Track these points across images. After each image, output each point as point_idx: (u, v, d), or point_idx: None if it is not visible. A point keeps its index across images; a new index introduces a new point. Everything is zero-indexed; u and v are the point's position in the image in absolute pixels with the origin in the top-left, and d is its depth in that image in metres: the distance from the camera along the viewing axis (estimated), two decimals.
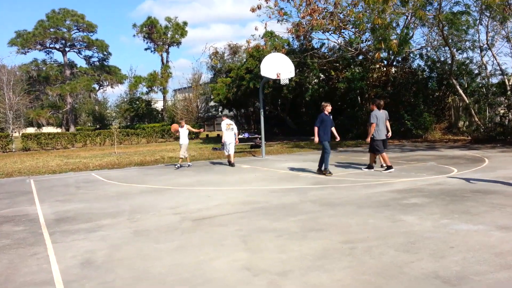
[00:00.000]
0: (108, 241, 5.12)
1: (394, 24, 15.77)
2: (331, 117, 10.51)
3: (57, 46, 36.56)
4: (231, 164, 12.86)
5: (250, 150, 19.20)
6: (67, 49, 36.86)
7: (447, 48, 21.78)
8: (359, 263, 3.93)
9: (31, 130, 37.46)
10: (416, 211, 5.94)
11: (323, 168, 10.26)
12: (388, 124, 10.87)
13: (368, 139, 10.57)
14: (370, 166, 10.79)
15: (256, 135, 21.48)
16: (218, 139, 29.39)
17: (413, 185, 8.11)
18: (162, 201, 7.60)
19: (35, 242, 5.22)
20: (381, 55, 22.75)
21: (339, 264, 3.91)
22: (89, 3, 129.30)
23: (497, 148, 15.01)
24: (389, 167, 10.20)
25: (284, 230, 5.18)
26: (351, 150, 16.89)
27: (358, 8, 18.32)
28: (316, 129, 10.19)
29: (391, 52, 20.88)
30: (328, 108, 10.34)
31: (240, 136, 20.93)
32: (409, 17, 19.51)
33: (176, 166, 12.86)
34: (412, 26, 19.67)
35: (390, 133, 10.94)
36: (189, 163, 13.33)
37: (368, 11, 17.17)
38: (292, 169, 11.57)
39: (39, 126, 40.27)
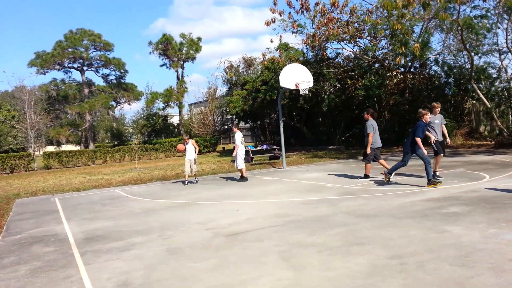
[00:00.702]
0: (143, 260, 4.97)
1: (415, 30, 15.51)
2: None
3: (75, 65, 37.16)
4: (245, 178, 12.21)
5: (269, 161, 19.01)
6: (85, 68, 37.43)
7: (464, 52, 21.47)
8: (414, 280, 3.68)
9: (50, 148, 37.97)
10: (459, 221, 5.65)
11: (430, 178, 8.93)
12: (444, 129, 10.45)
13: (368, 150, 10.40)
14: (389, 172, 9.89)
15: (275, 146, 21.31)
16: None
17: (447, 193, 7.80)
18: (190, 216, 7.45)
19: (67, 264, 5.10)
20: (401, 61, 22.52)
21: (394, 282, 3.66)
22: (103, 23, 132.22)
23: None
24: (366, 176, 10.50)
25: (324, 245, 4.95)
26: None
27: (373, 17, 18.18)
28: (418, 140, 8.83)
29: (408, 58, 20.61)
30: (427, 117, 9.02)
31: (258, 148, 20.85)
32: (426, 23, 19.23)
33: (193, 181, 12.58)
34: (430, 31, 19.36)
35: (448, 140, 10.68)
36: (196, 179, 12.80)
37: (386, 17, 16.97)
38: (316, 179, 11.32)
39: (59, 144, 40.83)
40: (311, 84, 14.36)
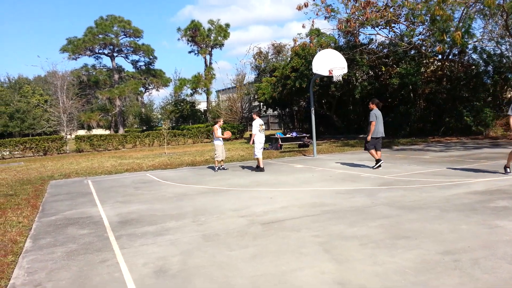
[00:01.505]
0: (178, 246, 4.86)
1: (454, 16, 14.70)
2: None
3: (106, 51, 37.69)
4: (261, 169, 11.59)
5: (299, 149, 18.73)
6: (115, 54, 37.91)
7: (506, 39, 20.35)
8: (470, 278, 3.40)
9: (81, 132, 38.91)
10: (511, 215, 5.27)
11: None
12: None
13: (369, 137, 10.58)
14: (377, 161, 10.64)
15: (304, 134, 20.97)
16: None
17: (493, 186, 7.35)
18: (223, 202, 7.32)
19: (102, 247, 5.05)
20: (442, 49, 21.58)
21: (449, 280, 3.39)
22: (132, 10, 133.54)
23: None
24: (378, 161, 10.59)
25: (366, 237, 4.70)
26: (408, 149, 16.00)
27: (411, 0, 17.38)
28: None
29: (446, 45, 19.70)
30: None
31: (288, 135, 20.55)
32: (467, 8, 18.26)
33: (221, 168, 12.35)
34: (472, 16, 18.39)
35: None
36: (224, 166, 12.57)
37: (424, 2, 16.19)
38: (349, 168, 10.99)
39: (89, 128, 41.76)
40: (345, 70, 13.91)
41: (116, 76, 37.87)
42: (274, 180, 9.72)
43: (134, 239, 5.30)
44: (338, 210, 6.16)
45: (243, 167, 12.82)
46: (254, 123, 11.82)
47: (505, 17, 15.09)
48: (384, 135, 10.81)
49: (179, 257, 4.45)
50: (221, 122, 12.75)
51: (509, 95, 23.37)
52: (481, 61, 22.28)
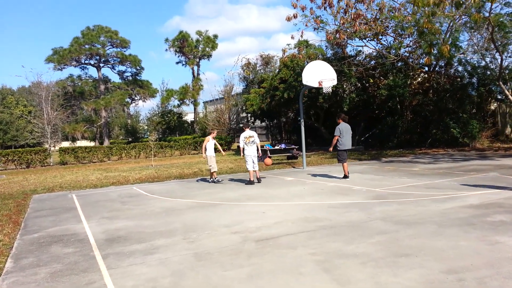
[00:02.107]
0: (169, 266, 4.62)
1: (442, 29, 14.88)
2: None
3: (92, 62, 37.22)
4: (258, 180, 11.52)
5: (288, 161, 18.59)
6: (101, 64, 37.46)
7: (489, 52, 20.73)
8: None
9: (66, 144, 38.17)
10: (511, 231, 5.18)
11: None
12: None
13: (331, 149, 11.56)
14: (345, 176, 11.34)
15: (293, 146, 20.86)
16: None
17: (487, 199, 7.30)
18: (214, 217, 7.09)
19: (88, 268, 4.78)
20: (422, 60, 21.84)
21: None
22: (119, 21, 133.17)
23: None
24: (346, 176, 11.27)
25: (366, 255, 4.54)
26: (396, 160, 16.01)
27: (396, 13, 17.59)
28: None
29: (433, 57, 19.93)
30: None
31: (277, 147, 20.40)
32: (452, 21, 18.54)
33: (216, 180, 12.12)
34: (458, 29, 18.68)
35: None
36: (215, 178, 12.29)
37: (410, 14, 16.40)
38: (340, 181, 10.87)
39: (74, 140, 41.02)
40: (335, 82, 13.88)
41: (102, 87, 37.39)
42: (265, 194, 9.54)
43: (122, 258, 5.05)
44: (333, 226, 6.00)
45: (233, 180, 12.61)
46: (241, 135, 11.68)
47: (490, 30, 15.34)
48: (350, 148, 11.54)
49: (170, 278, 4.22)
50: (214, 134, 12.54)
51: (493, 107, 23.75)
52: (466, 73, 22.63)
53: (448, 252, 4.48)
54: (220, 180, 12.22)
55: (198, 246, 5.34)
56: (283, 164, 17.13)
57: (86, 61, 37.15)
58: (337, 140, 11.22)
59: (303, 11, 17.92)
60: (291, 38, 24.91)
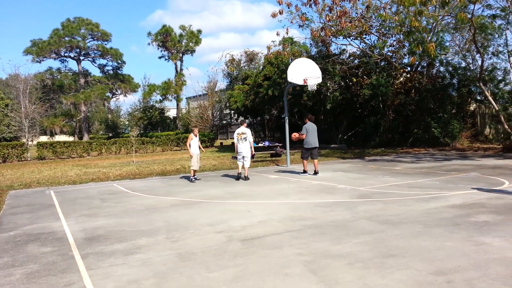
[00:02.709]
0: (151, 266, 4.47)
1: (428, 27, 14.98)
2: None
3: (72, 54, 36.32)
4: (245, 178, 11.48)
5: (271, 159, 18.53)
6: (81, 57, 36.59)
7: (470, 53, 21.10)
8: None
9: (44, 138, 37.19)
10: (495, 231, 5.21)
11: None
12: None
13: (294, 137, 12.31)
14: (312, 172, 12.01)
15: (276, 143, 20.81)
16: (233, 147, 28.68)
17: (470, 199, 7.37)
18: (198, 216, 6.95)
19: (67, 268, 4.58)
20: (405, 60, 22.07)
21: None
22: (101, 13, 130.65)
23: None
24: (304, 172, 12.15)
25: (353, 256, 4.48)
26: (379, 159, 16.13)
27: (382, 12, 17.67)
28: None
29: (418, 57, 20.11)
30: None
31: (260, 145, 20.32)
32: (437, 22, 18.75)
33: (193, 179, 11.76)
34: (444, 29, 18.91)
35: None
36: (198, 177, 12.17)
37: (395, 13, 16.52)
38: (325, 179, 10.85)
39: (52, 134, 40.05)
40: (320, 80, 13.86)
41: (82, 81, 36.55)
42: (249, 192, 9.44)
43: (102, 258, 4.87)
44: (319, 225, 5.94)
45: (220, 176, 12.47)
46: (235, 131, 11.89)
47: (473, 31, 15.55)
48: (317, 146, 12.14)
49: (153, 280, 4.07)
50: (196, 131, 12.22)
51: (472, 108, 24.19)
52: (447, 74, 22.96)
53: (435, 252, 4.47)
54: (197, 179, 11.79)
55: (181, 246, 5.20)
56: (267, 162, 17.07)
57: (66, 54, 36.24)
58: (304, 138, 11.94)
59: (288, 8, 17.79)
60: (277, 34, 24.69)
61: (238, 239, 5.36)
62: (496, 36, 19.12)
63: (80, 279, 4.20)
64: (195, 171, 11.79)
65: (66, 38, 34.33)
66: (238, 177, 11.56)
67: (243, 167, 11.67)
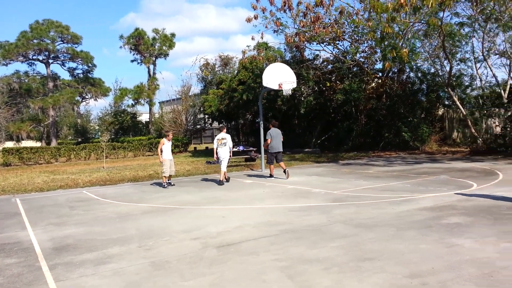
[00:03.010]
0: (124, 276, 4.32)
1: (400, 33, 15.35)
2: None
3: (40, 57, 35.18)
4: (226, 180, 11.85)
5: (246, 163, 18.48)
6: (50, 60, 35.50)
7: (439, 59, 21.79)
8: None
9: (9, 144, 35.80)
10: (466, 233, 5.33)
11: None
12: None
13: (263, 148, 13.15)
14: (271, 175, 12.62)
15: (251, 148, 20.80)
16: (208, 152, 28.57)
17: (441, 202, 7.53)
18: (172, 223, 6.81)
19: (34, 280, 4.37)
20: (377, 66, 22.55)
21: None
22: (71, 16, 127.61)
23: (501, 160, 14.67)
24: (271, 176, 12.64)
25: (329, 260, 4.47)
26: (353, 163, 16.35)
27: (355, 18, 18.00)
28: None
29: (391, 62, 20.53)
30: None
31: (235, 149, 20.24)
32: (407, 29, 19.23)
33: (166, 185, 11.44)
34: (415, 36, 19.40)
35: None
36: (172, 182, 11.91)
37: (366, 20, 16.85)
38: (299, 183, 10.89)
39: (19, 140, 38.62)
40: (295, 84, 13.96)
41: (51, 84, 35.45)
42: (224, 197, 9.34)
43: (71, 269, 4.67)
44: (295, 230, 5.92)
45: (205, 181, 12.30)
46: (215, 137, 12.08)
47: (442, 38, 16.04)
48: (281, 150, 12.51)
49: None
50: (170, 136, 11.92)
51: (440, 112, 24.94)
52: (417, 80, 23.60)
53: (409, 255, 4.52)
54: (165, 186, 11.38)
55: (155, 254, 5.06)
56: (242, 167, 17.00)
57: (34, 57, 35.10)
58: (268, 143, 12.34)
59: (263, 13, 17.92)
60: (252, 39, 24.77)
61: (213, 246, 5.27)
62: (464, 43, 19.86)
63: None
64: (167, 177, 11.52)
65: (35, 41, 33.28)
66: (221, 182, 11.60)
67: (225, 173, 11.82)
